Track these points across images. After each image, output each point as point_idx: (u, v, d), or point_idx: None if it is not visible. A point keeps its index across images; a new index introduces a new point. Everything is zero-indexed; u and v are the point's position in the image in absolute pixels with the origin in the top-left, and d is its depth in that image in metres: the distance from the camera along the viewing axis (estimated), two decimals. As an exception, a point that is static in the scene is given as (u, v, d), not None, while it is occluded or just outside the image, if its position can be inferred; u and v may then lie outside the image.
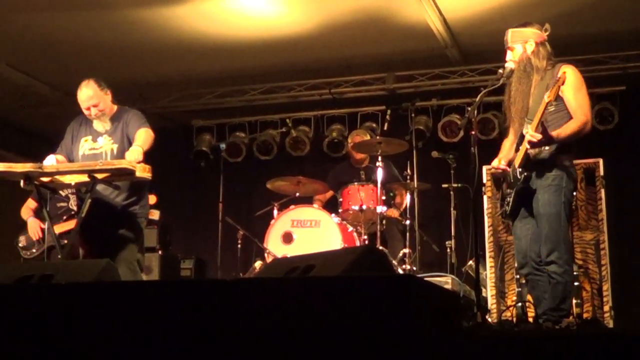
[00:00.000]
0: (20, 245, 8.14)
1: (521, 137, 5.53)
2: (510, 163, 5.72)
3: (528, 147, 5.41)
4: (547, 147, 5.45)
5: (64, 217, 7.56)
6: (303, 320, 3.16)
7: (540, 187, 5.50)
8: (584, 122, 5.40)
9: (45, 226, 7.79)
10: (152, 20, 8.40)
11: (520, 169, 5.52)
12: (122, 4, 8.10)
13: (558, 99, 5.40)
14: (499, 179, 7.53)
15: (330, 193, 9.02)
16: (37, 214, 7.88)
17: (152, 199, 8.07)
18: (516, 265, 6.10)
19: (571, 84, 5.42)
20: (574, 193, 5.78)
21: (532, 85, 5.60)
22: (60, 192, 7.08)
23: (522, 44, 5.70)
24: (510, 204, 5.64)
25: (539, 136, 5.28)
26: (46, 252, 7.80)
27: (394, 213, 8.54)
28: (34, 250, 8.05)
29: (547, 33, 5.70)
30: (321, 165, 10.46)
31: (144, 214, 6.33)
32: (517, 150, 5.62)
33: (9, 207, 8.22)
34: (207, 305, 3.33)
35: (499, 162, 5.84)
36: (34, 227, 7.83)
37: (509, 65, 5.71)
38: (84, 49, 9.00)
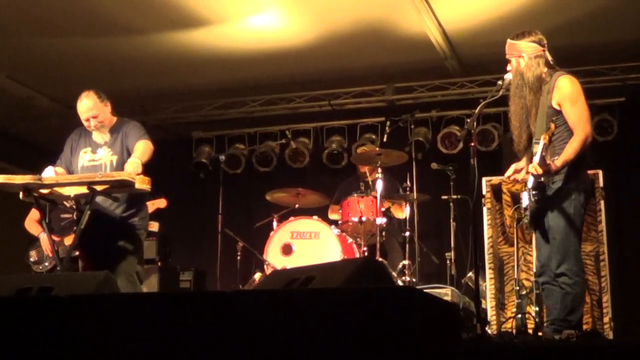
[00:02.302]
0: (31, 259, 8.10)
1: (530, 158, 5.54)
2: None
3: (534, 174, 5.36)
4: (556, 176, 5.42)
5: (74, 228, 7.53)
6: (303, 331, 3.16)
7: (551, 199, 5.47)
8: (584, 138, 5.36)
9: (43, 237, 7.79)
10: (152, 34, 8.41)
11: (534, 192, 5.44)
12: (123, 23, 8.12)
13: (557, 112, 5.40)
14: (498, 190, 7.56)
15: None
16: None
17: (163, 202, 8.08)
18: (534, 271, 6.10)
19: (567, 97, 5.41)
20: (586, 205, 5.73)
21: (527, 99, 5.57)
22: (65, 203, 7.06)
23: (516, 57, 5.67)
24: (529, 219, 5.61)
25: (540, 171, 5.24)
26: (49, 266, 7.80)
27: (399, 208, 8.58)
28: (46, 264, 8.02)
29: (544, 43, 5.64)
30: (321, 176, 10.47)
31: (143, 225, 6.32)
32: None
33: (19, 219, 8.17)
34: (206, 317, 3.33)
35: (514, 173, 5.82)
36: (47, 243, 7.76)
37: (508, 76, 5.70)
38: (84, 62, 9.01)
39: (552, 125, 5.27)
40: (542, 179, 5.38)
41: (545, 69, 5.58)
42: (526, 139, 5.69)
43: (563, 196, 5.42)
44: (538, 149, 5.31)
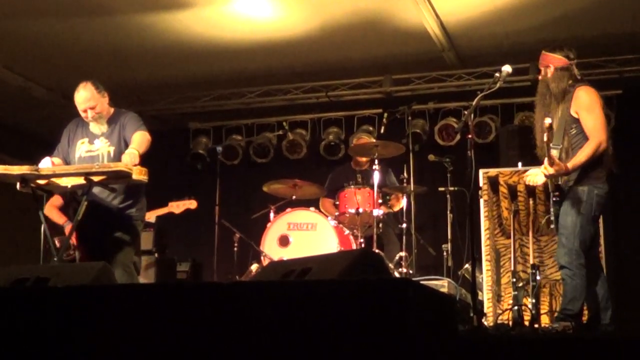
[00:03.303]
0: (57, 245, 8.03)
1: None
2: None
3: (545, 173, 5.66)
4: (567, 177, 5.71)
5: None
6: (299, 323, 3.16)
7: (564, 199, 5.74)
8: (597, 144, 5.63)
9: (69, 226, 7.77)
10: (150, 23, 8.39)
11: (554, 193, 5.77)
12: (120, 8, 8.09)
13: (576, 120, 5.69)
14: (495, 182, 7.56)
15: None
16: (67, 213, 7.80)
17: (193, 203, 8.17)
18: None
19: (584, 105, 5.70)
20: (601, 208, 5.91)
21: (550, 108, 5.83)
22: None
23: (545, 67, 5.94)
24: (555, 224, 5.86)
25: (551, 171, 5.55)
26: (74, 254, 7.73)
27: (394, 203, 8.59)
28: (71, 252, 7.96)
29: (574, 60, 5.90)
30: (318, 168, 10.46)
31: (140, 216, 6.32)
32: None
33: (26, 209, 8.11)
34: (203, 308, 3.33)
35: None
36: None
37: (505, 68, 5.78)
38: (81, 52, 8.99)
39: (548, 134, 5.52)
40: (560, 181, 5.71)
41: (570, 82, 5.85)
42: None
43: (574, 197, 5.68)
44: (545, 152, 5.57)
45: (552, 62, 5.90)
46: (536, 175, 5.89)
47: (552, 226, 5.91)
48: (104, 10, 8.14)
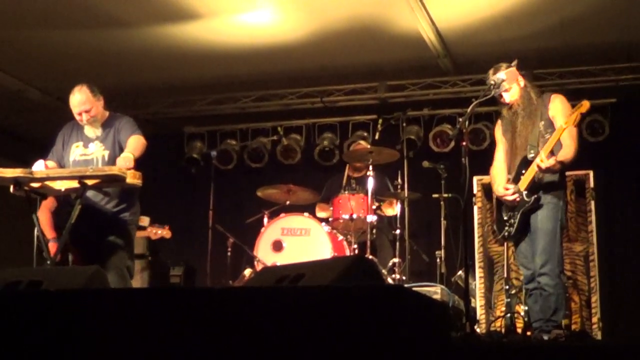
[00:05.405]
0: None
1: (524, 162, 5.80)
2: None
3: (537, 170, 5.68)
4: (542, 175, 5.76)
5: None
6: (292, 329, 3.16)
7: (540, 204, 5.77)
8: (575, 151, 5.72)
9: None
10: (145, 28, 8.39)
11: (526, 192, 5.75)
12: (117, 16, 8.10)
13: (552, 126, 5.74)
14: (489, 189, 7.59)
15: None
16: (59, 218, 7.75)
17: (169, 233, 8.25)
18: (523, 279, 6.20)
19: (563, 112, 5.76)
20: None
21: (537, 117, 5.84)
22: None
23: (516, 81, 5.94)
24: (516, 225, 5.86)
25: (552, 162, 5.58)
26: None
27: (387, 206, 8.60)
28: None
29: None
30: (312, 173, 10.45)
31: (134, 220, 6.31)
32: (519, 173, 5.85)
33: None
34: (196, 313, 3.33)
35: (505, 190, 5.97)
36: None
37: (500, 75, 5.84)
38: (76, 54, 8.98)
39: (576, 115, 5.60)
40: (538, 175, 5.72)
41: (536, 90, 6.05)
42: (512, 151, 6.03)
43: (553, 202, 5.75)
44: (550, 141, 5.65)
45: (517, 74, 5.96)
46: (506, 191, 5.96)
47: (498, 233, 6.00)
48: (101, 19, 8.15)
